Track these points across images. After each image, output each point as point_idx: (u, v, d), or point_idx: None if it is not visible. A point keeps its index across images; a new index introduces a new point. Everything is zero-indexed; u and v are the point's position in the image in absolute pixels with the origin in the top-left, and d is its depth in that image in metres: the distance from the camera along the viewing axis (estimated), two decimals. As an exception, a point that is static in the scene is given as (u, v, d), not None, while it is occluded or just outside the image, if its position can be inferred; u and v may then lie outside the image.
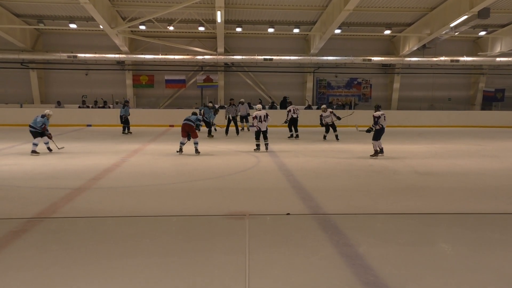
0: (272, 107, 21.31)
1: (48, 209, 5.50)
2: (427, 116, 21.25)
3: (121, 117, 15.85)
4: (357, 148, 11.99)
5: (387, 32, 20.42)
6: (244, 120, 16.62)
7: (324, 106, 14.56)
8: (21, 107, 20.53)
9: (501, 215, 5.49)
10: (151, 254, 3.91)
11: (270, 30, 19.86)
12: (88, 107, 21.22)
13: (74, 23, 19.19)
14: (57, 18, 19.46)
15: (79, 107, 21.11)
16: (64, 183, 7.06)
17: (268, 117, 11.17)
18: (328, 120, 13.86)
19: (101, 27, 17.88)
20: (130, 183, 7.20)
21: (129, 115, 15.92)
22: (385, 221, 5.18)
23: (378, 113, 10.14)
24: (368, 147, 11.99)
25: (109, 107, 20.84)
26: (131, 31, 20.82)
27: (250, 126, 11.24)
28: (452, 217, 5.34)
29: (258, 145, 11.18)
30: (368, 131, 10.38)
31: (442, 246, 4.32)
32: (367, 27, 20.75)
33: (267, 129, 11.16)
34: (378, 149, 10.28)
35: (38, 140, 10.24)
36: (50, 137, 10.47)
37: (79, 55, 20.60)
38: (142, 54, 21.50)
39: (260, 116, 11.01)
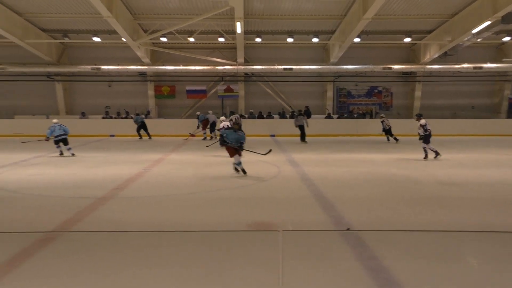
0: (293, 116, 21.30)
1: (73, 218, 5.61)
2: (450, 124, 20.83)
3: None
4: (379, 157, 11.85)
5: (407, 39, 20.21)
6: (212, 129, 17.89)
7: (382, 115, 17.46)
8: (47, 118, 21.06)
9: (530, 226, 5.31)
10: (174, 265, 3.93)
11: (289, 39, 19.91)
12: (111, 117, 21.67)
13: (97, 36, 19.70)
14: (81, 32, 20.02)
15: (103, 117, 21.60)
16: (88, 193, 7.19)
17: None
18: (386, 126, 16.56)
19: (123, 39, 18.30)
20: (152, 193, 7.28)
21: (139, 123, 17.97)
22: (409, 233, 5.07)
23: (423, 121, 11.44)
24: (390, 157, 11.87)
25: (131, 117, 21.20)
26: (153, 43, 21.23)
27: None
28: (480, 231, 5.19)
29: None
30: (420, 138, 11.48)
31: (470, 262, 4.19)
32: (387, 35, 20.60)
33: None
34: (432, 151, 11.35)
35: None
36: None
37: (102, 67, 21.09)
38: (163, 65, 21.87)
39: (228, 125, 11.25)
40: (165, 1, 16.35)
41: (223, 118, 13.40)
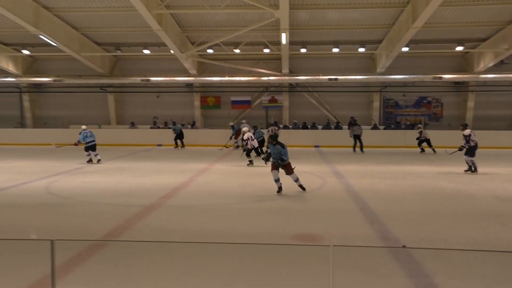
0: (337, 127, 21.01)
1: (122, 225, 5.79)
2: (507, 136, 19.64)
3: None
4: (428, 170, 11.38)
5: (459, 48, 19.40)
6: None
7: (420, 125, 17.71)
8: (100, 127, 22.04)
9: None
10: (218, 277, 3.94)
11: (335, 50, 19.71)
12: (159, 127, 22.33)
13: (147, 49, 20.45)
14: (133, 45, 20.87)
15: (151, 127, 22.30)
16: (136, 201, 7.41)
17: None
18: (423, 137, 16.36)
19: (172, 52, 18.88)
20: (198, 202, 7.39)
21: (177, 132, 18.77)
22: (463, 251, 4.81)
23: (467, 131, 10.64)
24: (439, 169, 11.38)
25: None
26: (199, 54, 21.72)
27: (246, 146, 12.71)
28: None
29: (251, 161, 12.36)
30: (460, 149, 10.84)
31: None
32: (437, 44, 19.87)
33: (259, 145, 12.96)
34: (468, 164, 10.59)
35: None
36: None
37: (151, 78, 21.82)
38: (209, 76, 22.30)
39: (251, 136, 12.55)
40: (212, 14, 16.72)
41: (245, 129, 13.38)
